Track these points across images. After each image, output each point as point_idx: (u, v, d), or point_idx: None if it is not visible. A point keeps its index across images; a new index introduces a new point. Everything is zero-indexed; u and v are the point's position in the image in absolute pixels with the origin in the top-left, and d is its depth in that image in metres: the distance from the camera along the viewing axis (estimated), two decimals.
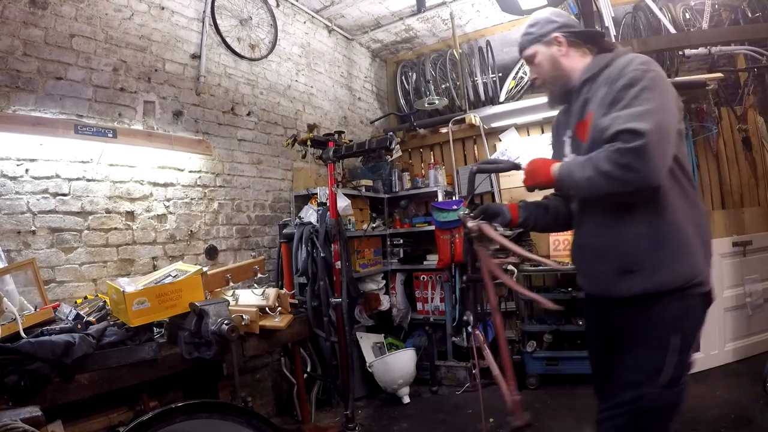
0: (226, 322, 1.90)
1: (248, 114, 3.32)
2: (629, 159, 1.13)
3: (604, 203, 1.33)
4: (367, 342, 3.60)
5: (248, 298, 2.36)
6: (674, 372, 1.24)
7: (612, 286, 1.33)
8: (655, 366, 1.25)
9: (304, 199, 3.40)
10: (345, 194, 3.35)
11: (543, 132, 4.26)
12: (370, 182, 3.96)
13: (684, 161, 1.30)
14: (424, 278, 3.94)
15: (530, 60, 1.48)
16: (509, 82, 4.36)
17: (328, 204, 2.78)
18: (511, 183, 3.99)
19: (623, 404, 1.29)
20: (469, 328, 1.45)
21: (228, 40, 3.15)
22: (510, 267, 1.66)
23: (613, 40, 2.60)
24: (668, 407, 1.26)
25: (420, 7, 3.89)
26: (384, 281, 3.93)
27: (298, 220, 3.12)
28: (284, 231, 3.18)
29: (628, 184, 1.17)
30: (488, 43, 4.43)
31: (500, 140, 4.17)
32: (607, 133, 1.19)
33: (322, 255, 2.72)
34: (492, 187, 4.05)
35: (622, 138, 1.15)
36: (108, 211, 2.42)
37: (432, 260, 3.81)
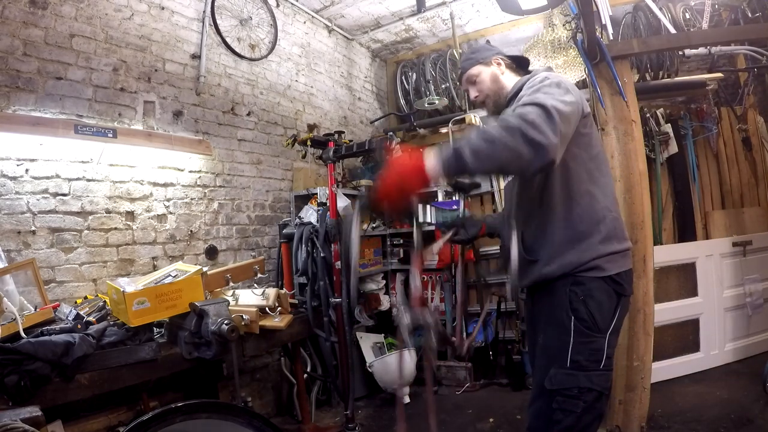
0: (226, 322, 1.90)
1: (248, 114, 3.32)
2: (537, 119, 1.12)
3: (524, 197, 1.48)
4: (367, 342, 3.59)
5: (248, 298, 2.36)
6: (583, 353, 1.32)
7: (524, 272, 1.46)
8: (561, 347, 1.34)
9: (304, 199, 3.40)
10: (345, 194, 3.35)
11: None
12: (370, 182, 3.96)
13: (593, 160, 1.40)
14: (424, 278, 3.94)
15: (473, 79, 1.63)
16: None
17: (328, 204, 2.78)
18: None
19: (539, 386, 1.39)
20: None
21: (228, 40, 3.15)
22: None
23: (611, 39, 2.60)
24: (584, 391, 1.31)
25: (420, 7, 3.89)
26: (384, 281, 3.93)
27: (298, 220, 3.12)
28: (284, 231, 3.18)
29: (523, 161, 1.12)
30: (488, 43, 4.42)
31: None
32: (514, 110, 1.24)
33: (322, 255, 2.73)
34: (492, 187, 4.05)
35: (525, 109, 1.17)
36: (108, 211, 2.42)
37: (432, 260, 3.81)
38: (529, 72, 1.61)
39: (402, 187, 1.12)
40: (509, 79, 1.59)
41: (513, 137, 1.10)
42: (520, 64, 1.65)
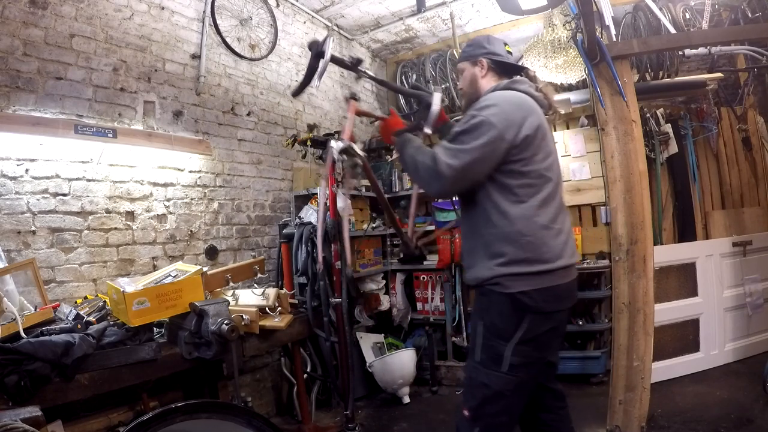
0: (226, 322, 1.90)
1: (248, 114, 3.32)
2: (434, 172, 1.49)
3: (462, 207, 1.68)
4: (367, 342, 3.60)
5: (248, 298, 2.36)
6: (486, 353, 1.53)
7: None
8: (473, 343, 1.57)
9: (304, 199, 3.40)
10: (345, 194, 3.34)
11: None
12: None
13: (525, 186, 1.51)
14: (424, 278, 3.94)
15: (460, 72, 1.80)
16: None
17: (327, 204, 2.78)
18: None
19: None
20: None
21: (228, 40, 3.15)
22: None
23: (613, 40, 2.59)
24: (482, 384, 1.52)
25: (420, 7, 3.89)
26: (384, 281, 3.93)
27: (298, 220, 3.12)
28: (284, 231, 3.18)
29: (424, 187, 1.58)
30: (487, 40, 4.42)
31: None
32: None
33: (322, 255, 2.72)
34: None
35: (435, 158, 1.51)
36: (108, 211, 2.42)
37: (432, 260, 3.81)
38: (513, 75, 1.70)
39: (385, 132, 1.81)
40: (487, 83, 1.70)
41: (425, 174, 1.54)
42: (508, 69, 1.72)
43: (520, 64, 1.72)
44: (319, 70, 1.69)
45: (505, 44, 1.76)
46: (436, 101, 1.73)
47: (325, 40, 1.69)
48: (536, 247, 1.49)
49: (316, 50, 1.69)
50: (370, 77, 1.92)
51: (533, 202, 1.51)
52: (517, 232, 1.49)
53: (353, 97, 1.82)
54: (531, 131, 1.50)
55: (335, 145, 1.71)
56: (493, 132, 1.46)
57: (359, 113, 1.94)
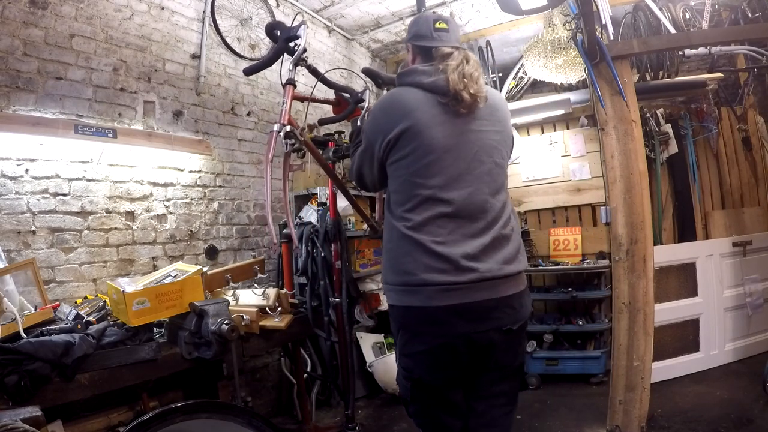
0: (226, 322, 1.90)
1: (248, 114, 3.32)
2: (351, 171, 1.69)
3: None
4: (367, 342, 3.59)
5: (248, 298, 2.36)
6: (398, 359, 1.54)
7: None
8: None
9: (304, 199, 3.39)
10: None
11: (543, 132, 4.26)
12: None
13: (396, 192, 1.46)
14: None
15: None
16: (509, 82, 4.36)
17: (327, 204, 2.78)
18: (510, 183, 3.99)
19: None
20: None
21: (228, 40, 3.15)
22: None
23: (611, 39, 2.60)
24: (399, 385, 1.59)
25: (420, 7, 3.88)
26: None
27: (298, 220, 3.12)
28: (284, 231, 3.18)
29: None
30: (488, 43, 4.42)
31: None
32: None
33: (322, 255, 2.72)
34: None
35: (352, 164, 1.69)
36: (108, 211, 2.42)
37: None
38: (431, 56, 1.49)
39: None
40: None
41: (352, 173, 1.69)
42: (424, 53, 1.54)
43: (431, 44, 1.50)
44: (296, 55, 1.83)
45: (437, 21, 1.54)
46: (366, 97, 1.92)
47: (300, 25, 1.84)
48: (398, 256, 1.40)
49: (287, 34, 1.81)
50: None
51: (400, 209, 1.42)
52: (386, 240, 1.48)
53: (290, 82, 1.86)
54: (394, 135, 1.40)
55: (277, 128, 1.75)
56: (366, 142, 1.54)
57: (297, 98, 2.00)
